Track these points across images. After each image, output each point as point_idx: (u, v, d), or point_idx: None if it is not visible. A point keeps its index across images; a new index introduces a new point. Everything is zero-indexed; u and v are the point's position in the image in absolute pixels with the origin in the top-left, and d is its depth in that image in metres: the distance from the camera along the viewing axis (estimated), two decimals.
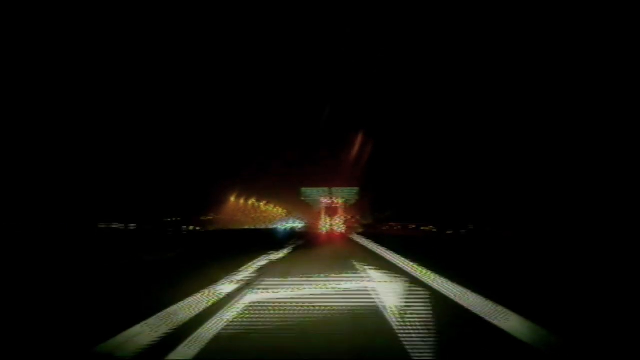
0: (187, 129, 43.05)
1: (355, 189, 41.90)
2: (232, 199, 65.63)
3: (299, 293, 6.37)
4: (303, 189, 41.66)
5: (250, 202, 72.09)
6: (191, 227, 51.23)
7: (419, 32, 31.48)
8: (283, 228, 57.12)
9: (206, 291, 6.35)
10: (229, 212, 66.68)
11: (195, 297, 5.80)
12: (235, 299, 5.74)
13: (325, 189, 41.40)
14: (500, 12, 28.40)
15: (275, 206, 76.29)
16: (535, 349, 3.52)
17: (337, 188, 41.61)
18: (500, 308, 4.89)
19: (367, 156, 41.60)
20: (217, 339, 4.02)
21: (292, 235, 29.70)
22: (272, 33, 37.12)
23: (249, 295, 6.12)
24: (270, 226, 69.16)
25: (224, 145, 48.83)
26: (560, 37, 26.35)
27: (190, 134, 43.59)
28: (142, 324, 4.39)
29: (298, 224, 66.70)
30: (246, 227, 67.53)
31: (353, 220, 49.85)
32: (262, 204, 74.98)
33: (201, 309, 5.11)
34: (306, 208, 55.54)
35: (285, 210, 75.83)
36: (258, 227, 70.54)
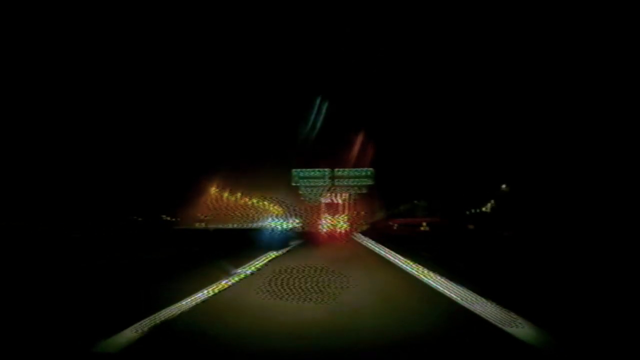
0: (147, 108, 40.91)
1: (369, 170, 33.21)
2: (213, 190, 60.90)
3: None
4: (295, 172, 34.07)
5: (235, 196, 67.40)
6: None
7: (418, 32, 33.25)
8: (270, 228, 49.52)
9: None
10: (208, 208, 61.88)
11: None
12: None
13: (325, 170, 33.27)
14: (500, 12, 30.11)
15: (260, 201, 71.23)
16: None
17: (342, 169, 33.21)
18: None
19: (370, 157, 35.56)
20: None
21: (278, 240, 23.59)
22: (270, 29, 37.13)
23: None
24: (251, 226, 63.13)
25: (200, 127, 46.20)
26: (560, 36, 28.48)
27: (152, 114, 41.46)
28: None
29: (289, 223, 60.82)
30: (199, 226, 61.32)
31: (359, 217, 46.69)
32: (248, 198, 69.98)
33: None
34: (303, 205, 50.27)
35: (276, 207, 71.17)
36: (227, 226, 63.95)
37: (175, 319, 5.05)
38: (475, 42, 33.60)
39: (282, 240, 22.33)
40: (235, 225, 65.19)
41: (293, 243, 19.35)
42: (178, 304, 5.71)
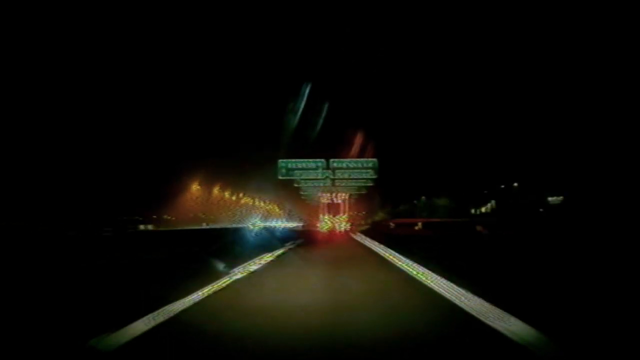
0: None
1: (371, 161, 30.60)
2: (195, 187, 58.51)
3: None
4: (282, 163, 30.50)
5: (221, 193, 65.82)
6: None
7: (418, 32, 35.57)
8: (255, 230, 42.74)
9: None
10: (188, 206, 59.49)
11: None
12: None
13: (319, 161, 30.44)
14: (499, 12, 32.05)
15: (247, 197, 69.60)
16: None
17: (340, 160, 30.67)
18: None
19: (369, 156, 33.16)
20: None
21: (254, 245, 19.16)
22: (269, 28, 37.31)
23: None
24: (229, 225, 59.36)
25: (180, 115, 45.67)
26: (559, 36, 29.90)
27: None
28: None
29: (278, 223, 58.60)
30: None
31: (359, 216, 46.42)
32: (236, 196, 68.20)
33: None
34: (302, 204, 48.84)
35: (264, 204, 70.46)
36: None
37: (174, 317, 5.17)
38: (476, 42, 34.10)
39: (261, 245, 17.41)
40: (208, 226, 61.88)
41: (275, 251, 14.82)
42: (177, 304, 5.83)
